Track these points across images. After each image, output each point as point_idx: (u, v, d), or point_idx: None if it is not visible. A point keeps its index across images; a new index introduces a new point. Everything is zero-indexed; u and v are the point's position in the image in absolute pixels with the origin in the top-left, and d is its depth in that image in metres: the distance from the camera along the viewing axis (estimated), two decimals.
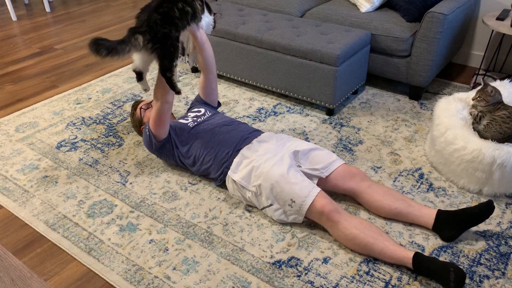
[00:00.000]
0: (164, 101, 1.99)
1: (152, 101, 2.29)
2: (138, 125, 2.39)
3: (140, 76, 1.90)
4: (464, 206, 1.98)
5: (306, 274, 1.69)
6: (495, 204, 1.98)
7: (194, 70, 3.22)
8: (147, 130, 2.12)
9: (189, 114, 2.29)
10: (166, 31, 1.75)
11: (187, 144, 2.12)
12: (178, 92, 1.90)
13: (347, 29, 2.71)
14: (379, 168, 2.24)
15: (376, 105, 2.79)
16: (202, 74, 2.28)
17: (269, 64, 2.75)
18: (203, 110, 2.28)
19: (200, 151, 2.07)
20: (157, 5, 1.75)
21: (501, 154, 1.90)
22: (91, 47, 1.69)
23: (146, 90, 1.97)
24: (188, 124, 2.18)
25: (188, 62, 2.10)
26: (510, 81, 2.34)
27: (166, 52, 1.78)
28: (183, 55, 1.91)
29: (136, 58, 1.84)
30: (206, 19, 2.02)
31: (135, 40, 1.73)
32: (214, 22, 2.09)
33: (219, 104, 2.45)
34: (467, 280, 1.64)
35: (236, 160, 1.98)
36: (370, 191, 1.91)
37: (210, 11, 2.05)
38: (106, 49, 1.69)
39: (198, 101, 2.38)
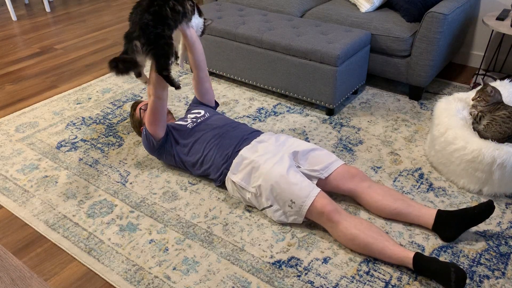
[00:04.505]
0: (157, 98, 2.00)
1: None
2: (137, 125, 2.38)
3: (138, 73, 1.93)
4: (464, 206, 1.98)
5: (306, 274, 1.69)
6: (495, 204, 1.98)
7: None
8: (144, 131, 2.13)
9: (188, 115, 2.28)
10: (159, 31, 1.76)
11: (186, 145, 2.12)
12: (178, 87, 1.91)
13: (347, 29, 2.71)
14: (379, 168, 2.24)
15: (376, 105, 2.79)
16: (194, 74, 2.26)
17: (269, 64, 2.75)
18: (202, 112, 2.28)
19: (200, 152, 2.07)
20: (148, 4, 1.76)
21: (501, 154, 1.90)
22: (112, 70, 1.77)
23: (146, 82, 2.00)
24: (187, 125, 2.18)
25: (178, 63, 2.09)
26: (510, 81, 2.33)
27: (161, 52, 1.80)
28: (175, 57, 1.92)
29: None
30: (196, 20, 2.04)
31: (135, 46, 1.76)
32: (204, 26, 2.10)
33: (217, 104, 2.45)
34: (467, 280, 1.64)
35: (235, 161, 1.98)
36: (370, 192, 1.91)
37: (200, 14, 2.07)
38: (124, 70, 1.77)
39: (196, 103, 2.38)
